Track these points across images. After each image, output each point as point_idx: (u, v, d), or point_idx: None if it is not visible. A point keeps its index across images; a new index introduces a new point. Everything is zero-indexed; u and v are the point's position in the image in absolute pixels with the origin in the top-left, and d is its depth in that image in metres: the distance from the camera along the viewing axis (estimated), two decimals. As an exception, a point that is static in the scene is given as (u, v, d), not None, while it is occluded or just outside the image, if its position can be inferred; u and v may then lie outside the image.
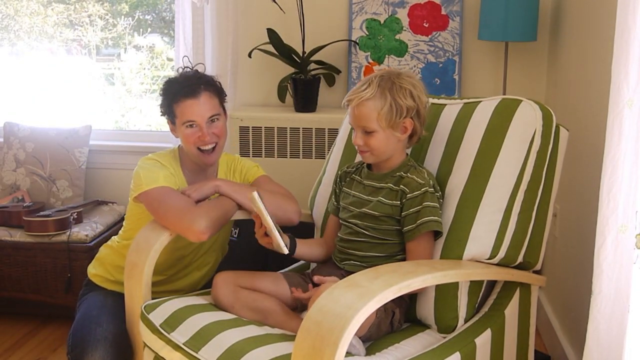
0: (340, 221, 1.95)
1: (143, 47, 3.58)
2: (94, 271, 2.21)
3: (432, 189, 1.79)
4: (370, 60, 3.05)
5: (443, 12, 2.99)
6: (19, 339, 2.82)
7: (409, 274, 1.59)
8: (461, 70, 3.03)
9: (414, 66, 3.02)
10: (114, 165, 3.28)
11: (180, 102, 2.03)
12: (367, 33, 3.04)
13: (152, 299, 1.94)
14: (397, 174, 1.83)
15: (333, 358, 1.36)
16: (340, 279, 1.76)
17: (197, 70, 2.13)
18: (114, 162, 3.29)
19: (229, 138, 2.91)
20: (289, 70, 2.98)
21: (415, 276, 1.58)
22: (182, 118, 2.04)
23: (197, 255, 2.16)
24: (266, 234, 1.85)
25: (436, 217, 1.77)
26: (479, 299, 1.86)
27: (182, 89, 2.04)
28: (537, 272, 1.95)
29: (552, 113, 1.86)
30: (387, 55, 3.04)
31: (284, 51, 2.93)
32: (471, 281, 1.81)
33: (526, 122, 1.83)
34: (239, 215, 2.05)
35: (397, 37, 3.03)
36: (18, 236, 2.83)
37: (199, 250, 2.15)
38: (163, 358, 1.76)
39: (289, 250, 1.86)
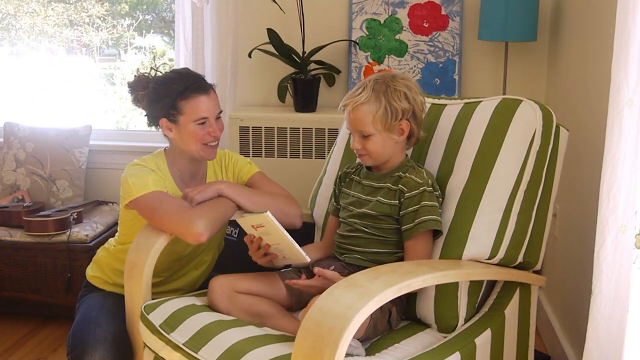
0: (340, 219, 1.95)
1: (143, 47, 3.58)
2: (92, 273, 2.21)
3: (431, 188, 1.80)
4: (370, 60, 3.05)
5: (443, 12, 2.99)
6: (19, 339, 2.82)
7: (409, 274, 1.59)
8: (461, 70, 3.03)
9: (414, 66, 3.03)
10: (114, 165, 3.28)
11: (191, 98, 2.00)
12: (367, 33, 3.04)
13: (151, 299, 1.94)
14: (396, 174, 1.84)
15: (333, 358, 1.36)
16: (341, 271, 1.77)
17: (188, 68, 2.13)
18: (114, 162, 3.28)
19: (229, 138, 2.92)
20: (289, 70, 2.98)
21: (415, 276, 1.58)
22: (194, 115, 2.00)
23: (194, 256, 2.16)
24: (265, 254, 1.87)
25: (435, 216, 1.77)
26: (479, 298, 1.86)
27: (190, 85, 2.01)
28: (537, 272, 1.95)
29: (552, 113, 1.86)
30: (387, 55, 3.04)
31: (284, 51, 2.93)
32: (471, 281, 1.81)
33: (526, 122, 1.83)
34: (238, 215, 2.05)
35: (397, 37, 3.03)
36: (18, 236, 2.83)
37: (196, 250, 2.14)
38: (163, 358, 1.76)
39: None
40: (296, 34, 2.97)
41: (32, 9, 3.54)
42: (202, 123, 2.01)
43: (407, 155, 1.90)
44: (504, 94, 2.86)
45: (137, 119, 3.68)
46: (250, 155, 2.89)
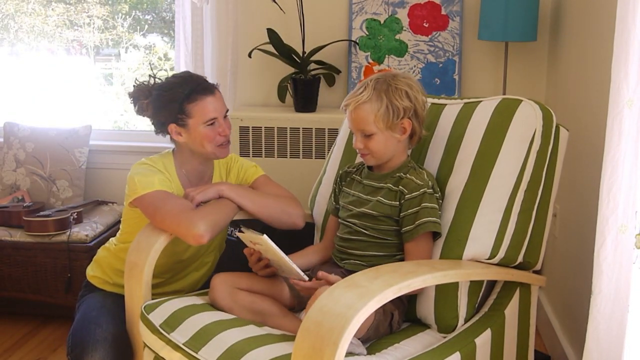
0: (340, 220, 1.95)
1: (142, 47, 3.58)
2: (92, 273, 2.21)
3: (431, 190, 1.80)
4: (370, 60, 3.05)
5: (443, 12, 2.99)
6: (19, 339, 2.82)
7: (409, 274, 1.59)
8: (461, 70, 3.03)
9: (414, 66, 3.03)
10: (114, 165, 3.28)
11: (198, 100, 1.99)
12: (367, 33, 3.04)
13: (152, 299, 1.94)
14: (397, 174, 1.83)
15: (333, 358, 1.36)
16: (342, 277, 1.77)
17: (189, 71, 2.13)
18: (114, 162, 3.29)
19: (229, 138, 2.92)
20: (289, 70, 2.98)
21: (415, 276, 1.58)
22: (203, 117, 2.00)
23: (195, 258, 2.16)
24: (267, 266, 1.87)
25: (434, 218, 1.77)
26: (479, 298, 1.86)
27: (196, 88, 2.01)
28: (537, 272, 1.95)
29: (552, 113, 1.86)
30: (387, 55, 3.04)
31: (284, 51, 2.93)
32: (471, 281, 1.81)
33: (526, 122, 1.83)
34: (239, 215, 2.05)
35: (397, 37, 3.03)
36: (18, 236, 2.83)
37: (197, 253, 2.14)
38: (163, 358, 1.76)
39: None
40: (296, 34, 2.97)
41: (32, 9, 3.54)
42: (212, 124, 2.01)
43: (408, 155, 1.90)
44: (504, 94, 2.86)
45: (136, 118, 3.68)
46: (250, 155, 2.89)
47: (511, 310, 1.87)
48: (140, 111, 2.11)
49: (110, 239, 2.24)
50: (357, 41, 3.04)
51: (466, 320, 1.81)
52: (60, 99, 3.62)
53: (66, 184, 3.08)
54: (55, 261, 2.79)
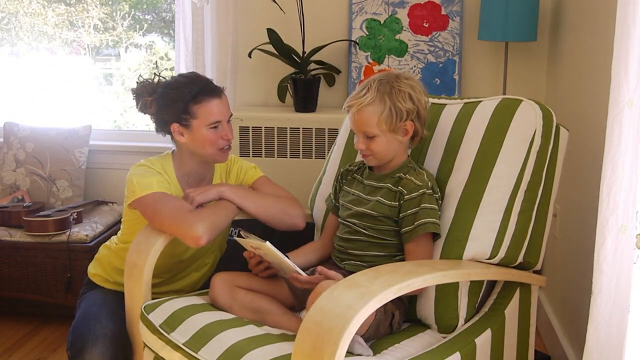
0: (339, 220, 1.95)
1: (142, 45, 3.58)
2: (94, 271, 2.21)
3: (431, 191, 1.80)
4: (370, 60, 3.05)
5: (443, 12, 2.99)
6: (19, 339, 2.82)
7: (410, 274, 1.59)
8: (461, 70, 3.03)
9: (414, 66, 3.03)
10: (114, 165, 3.28)
11: (204, 102, 1.98)
12: (367, 33, 3.04)
13: (152, 299, 1.94)
14: (397, 174, 1.83)
15: (333, 358, 1.36)
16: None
17: (196, 72, 2.11)
18: (114, 162, 3.29)
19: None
20: (289, 70, 2.98)
21: (415, 276, 1.58)
22: (207, 119, 1.98)
23: (195, 258, 2.16)
24: (267, 268, 1.88)
25: (434, 219, 1.77)
26: (479, 299, 1.86)
27: (203, 89, 1.99)
28: (537, 272, 1.95)
29: (552, 113, 1.86)
30: (387, 55, 3.04)
31: (284, 51, 2.93)
32: (471, 281, 1.81)
33: (526, 122, 1.83)
34: (240, 216, 2.06)
35: (397, 37, 3.03)
36: (18, 236, 2.83)
37: (197, 253, 2.14)
38: (163, 358, 1.76)
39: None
40: (296, 34, 2.97)
41: (33, 10, 3.54)
42: (215, 127, 2.00)
43: (408, 155, 1.90)
44: (504, 94, 2.86)
45: (136, 117, 3.68)
46: (250, 155, 2.89)
47: (511, 310, 1.87)
48: (143, 108, 2.10)
49: (112, 238, 2.25)
50: (357, 41, 3.04)
51: (466, 321, 1.81)
52: (60, 99, 3.62)
53: (66, 184, 3.08)
54: (55, 261, 2.79)
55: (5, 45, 3.59)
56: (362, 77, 3.04)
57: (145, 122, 3.65)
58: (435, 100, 2.07)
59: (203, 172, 2.12)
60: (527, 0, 2.72)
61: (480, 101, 1.96)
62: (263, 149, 2.90)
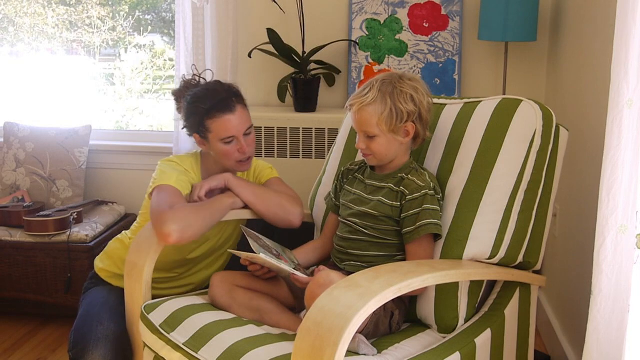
0: (340, 219, 1.95)
1: (143, 46, 3.58)
2: (101, 265, 2.22)
3: (433, 192, 1.79)
4: (370, 60, 3.05)
5: (443, 12, 2.99)
6: (19, 339, 2.82)
7: (410, 274, 1.59)
8: (461, 70, 3.03)
9: (414, 66, 3.03)
10: (114, 165, 3.29)
11: (217, 117, 1.99)
12: (367, 33, 3.04)
13: (161, 296, 1.95)
14: (399, 175, 1.83)
15: (333, 358, 1.36)
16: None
17: (220, 81, 2.09)
18: (114, 162, 3.29)
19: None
20: (289, 70, 2.98)
21: (415, 276, 1.58)
22: (220, 134, 2.00)
23: (205, 256, 2.18)
24: (268, 271, 1.88)
25: (436, 220, 1.77)
26: (479, 299, 1.86)
27: (216, 104, 2.00)
28: (537, 272, 1.95)
29: (552, 113, 1.86)
30: (387, 55, 3.04)
31: (284, 51, 2.93)
32: (471, 281, 1.81)
33: (526, 122, 1.83)
34: (243, 215, 2.07)
35: (397, 37, 3.03)
36: (18, 236, 2.83)
37: (207, 252, 2.16)
38: (163, 358, 1.76)
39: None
40: (296, 34, 2.97)
41: (33, 11, 3.54)
42: (230, 142, 2.01)
43: (410, 156, 1.90)
44: (504, 94, 2.86)
45: (137, 118, 3.68)
46: (250, 155, 2.89)
47: (511, 310, 1.87)
48: (178, 110, 2.14)
49: (124, 232, 2.26)
50: (357, 41, 3.04)
51: (466, 321, 1.81)
52: (60, 99, 3.62)
53: (66, 184, 3.08)
54: (55, 261, 2.79)
55: (5, 45, 3.59)
56: (362, 77, 3.04)
57: (146, 123, 3.66)
58: (435, 100, 2.07)
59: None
60: (527, 0, 2.72)
61: (480, 101, 1.96)
62: (263, 149, 2.90)
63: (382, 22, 3.03)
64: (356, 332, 1.62)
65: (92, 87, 3.65)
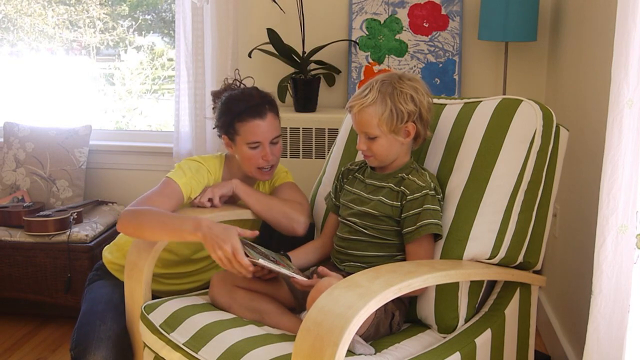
0: (340, 219, 1.95)
1: (143, 46, 3.58)
2: (110, 257, 2.22)
3: (433, 192, 1.79)
4: (370, 60, 3.05)
5: (443, 12, 2.99)
6: (19, 339, 2.82)
7: (410, 274, 1.59)
8: (461, 70, 3.03)
9: (414, 66, 3.03)
10: (114, 165, 3.29)
11: (246, 121, 2.01)
12: (367, 33, 3.04)
13: (171, 291, 1.97)
14: (399, 175, 1.83)
15: (333, 358, 1.36)
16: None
17: (257, 88, 2.11)
18: (114, 162, 3.29)
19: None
20: (289, 70, 2.98)
21: (415, 276, 1.58)
22: (247, 138, 2.01)
23: (209, 257, 2.18)
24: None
25: (436, 220, 1.77)
26: (479, 299, 1.86)
27: (248, 108, 2.01)
28: (537, 272, 1.95)
29: (552, 113, 1.86)
30: (387, 55, 3.04)
31: (284, 51, 2.93)
32: (471, 281, 1.81)
33: (526, 122, 1.83)
34: (245, 216, 2.07)
35: (397, 37, 3.03)
36: (18, 236, 2.83)
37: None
38: (163, 358, 1.76)
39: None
40: (296, 34, 2.97)
41: (33, 10, 3.54)
42: (255, 147, 2.02)
43: (411, 156, 1.90)
44: (504, 94, 2.86)
45: (137, 119, 3.68)
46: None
47: (511, 310, 1.87)
48: (213, 110, 2.16)
49: None
50: (357, 41, 3.04)
51: (466, 321, 1.81)
52: (60, 99, 3.62)
53: (66, 184, 3.08)
54: (55, 261, 2.79)
55: (5, 45, 3.59)
56: (362, 77, 3.04)
57: (146, 123, 3.66)
58: (435, 100, 2.07)
59: (247, 180, 2.14)
60: (527, 0, 2.72)
61: (480, 101, 1.96)
62: (263, 149, 2.90)
63: (382, 22, 3.03)
64: (355, 334, 1.62)
65: (92, 87, 3.65)
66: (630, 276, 1.33)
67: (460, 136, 1.91)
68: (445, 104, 2.04)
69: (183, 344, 1.70)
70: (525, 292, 1.91)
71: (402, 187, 1.81)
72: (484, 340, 1.76)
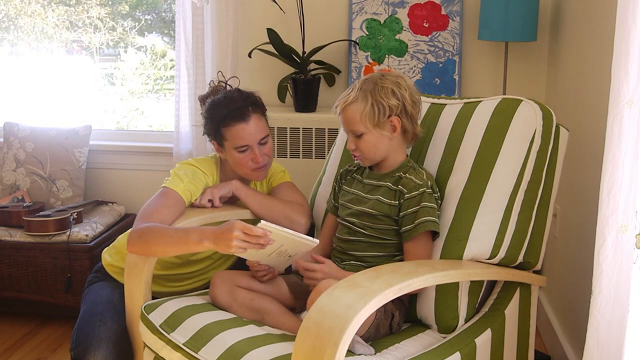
0: (338, 220, 1.95)
1: (143, 47, 3.58)
2: (109, 260, 2.22)
3: (430, 190, 1.80)
4: (370, 60, 3.05)
5: (443, 12, 2.99)
6: (19, 339, 2.83)
7: (410, 274, 1.59)
8: (461, 70, 3.03)
9: (414, 66, 3.03)
10: (114, 165, 3.29)
11: (231, 126, 2.00)
12: (367, 33, 3.04)
13: (172, 293, 1.97)
14: (397, 174, 1.84)
15: (333, 358, 1.36)
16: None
17: (240, 90, 2.10)
18: (114, 162, 3.29)
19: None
20: (289, 70, 2.98)
21: (415, 276, 1.58)
22: (234, 143, 2.01)
23: (210, 259, 2.18)
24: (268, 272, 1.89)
25: (434, 218, 1.78)
26: (479, 299, 1.86)
27: (230, 112, 2.01)
28: (537, 272, 1.95)
29: (552, 113, 1.86)
30: (387, 55, 3.04)
31: (284, 51, 2.93)
32: (471, 281, 1.81)
33: (526, 122, 1.83)
34: (245, 216, 2.07)
35: (397, 37, 3.03)
36: (18, 236, 2.83)
37: (211, 255, 2.18)
38: (163, 358, 1.76)
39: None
40: (296, 34, 2.97)
41: (33, 10, 3.54)
42: (244, 150, 2.02)
43: (407, 155, 1.90)
44: (504, 94, 2.86)
45: (137, 119, 3.68)
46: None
47: (511, 310, 1.87)
48: (202, 115, 2.14)
49: None
50: (357, 41, 3.04)
51: (466, 321, 1.81)
52: (60, 99, 3.62)
53: (66, 184, 3.08)
54: (55, 261, 2.79)
55: (5, 45, 3.59)
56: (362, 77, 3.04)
57: (146, 123, 3.66)
58: (435, 100, 2.07)
59: (244, 179, 2.14)
60: (527, 0, 2.72)
61: (480, 101, 1.96)
62: (263, 149, 2.90)
63: (382, 22, 3.03)
64: (355, 335, 1.62)
65: (92, 87, 3.65)
66: (630, 276, 1.33)
67: (460, 136, 1.91)
68: (445, 104, 2.04)
69: (183, 344, 1.70)
70: (525, 292, 1.91)
71: (399, 186, 1.81)
72: (484, 340, 1.76)
